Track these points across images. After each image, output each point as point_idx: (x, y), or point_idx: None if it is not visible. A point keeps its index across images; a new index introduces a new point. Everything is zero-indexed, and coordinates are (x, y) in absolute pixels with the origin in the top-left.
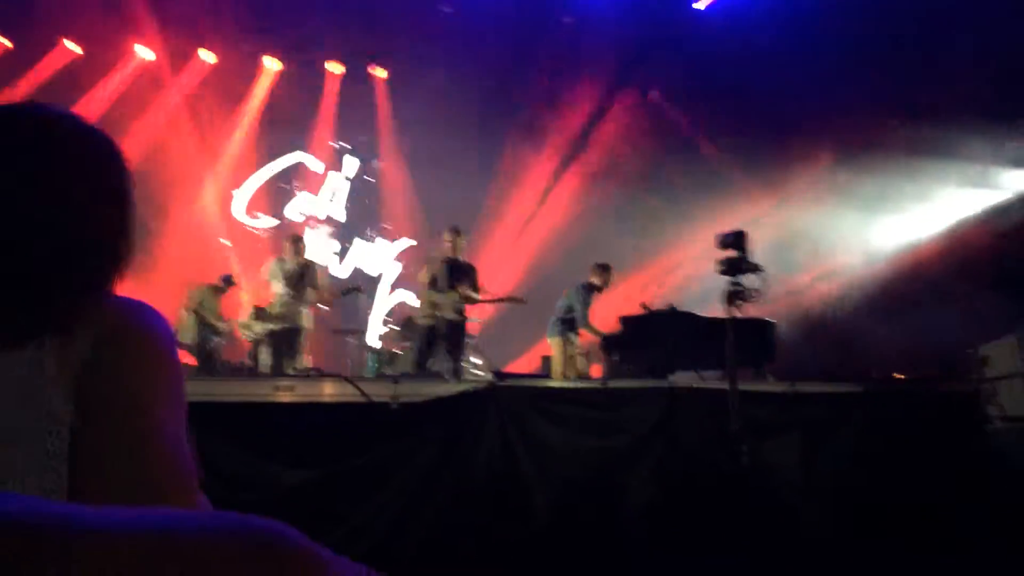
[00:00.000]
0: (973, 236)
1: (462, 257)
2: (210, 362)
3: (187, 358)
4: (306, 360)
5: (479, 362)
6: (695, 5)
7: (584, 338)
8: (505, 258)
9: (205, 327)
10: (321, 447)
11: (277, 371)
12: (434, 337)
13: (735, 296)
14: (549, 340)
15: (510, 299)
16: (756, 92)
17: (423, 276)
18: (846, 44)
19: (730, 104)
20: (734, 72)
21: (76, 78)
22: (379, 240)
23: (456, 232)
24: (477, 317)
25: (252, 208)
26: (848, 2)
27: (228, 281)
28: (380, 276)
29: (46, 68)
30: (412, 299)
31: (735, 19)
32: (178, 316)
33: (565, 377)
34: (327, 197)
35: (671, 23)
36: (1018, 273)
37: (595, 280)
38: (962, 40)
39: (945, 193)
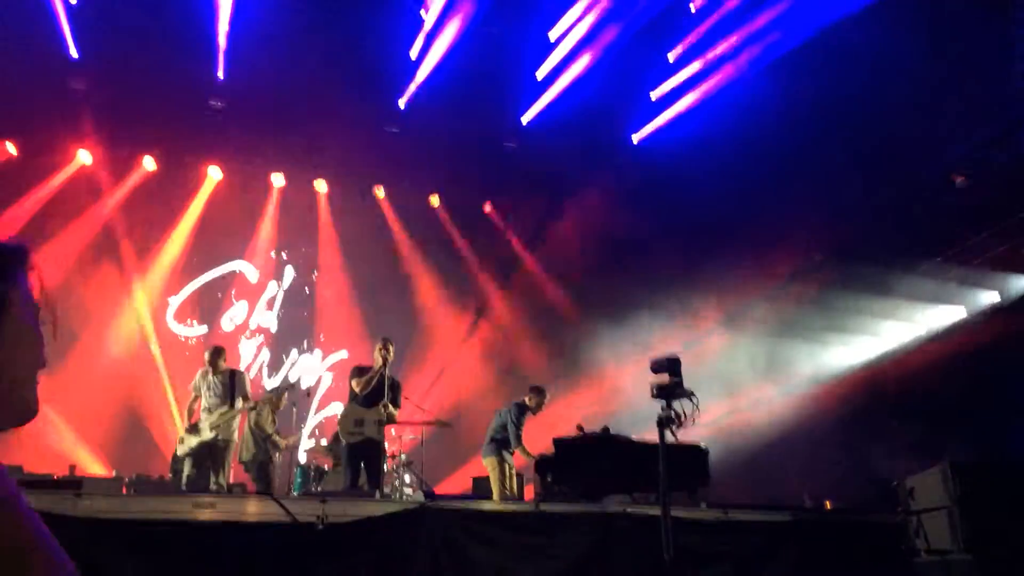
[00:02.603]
0: (897, 368)
1: (390, 371)
2: (268, 481)
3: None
4: (230, 476)
5: (409, 480)
6: (632, 136)
7: (517, 459)
8: (438, 377)
9: (264, 443)
10: (243, 570)
11: (199, 486)
12: (360, 454)
13: (667, 421)
14: (484, 461)
15: (437, 422)
16: (693, 217)
17: (356, 386)
18: (778, 180)
19: (670, 228)
20: (669, 200)
21: (10, 179)
22: (313, 352)
23: (387, 345)
24: (411, 435)
25: (186, 315)
26: (774, 146)
27: (279, 392)
28: (312, 389)
29: None
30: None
31: (670, 151)
32: (242, 434)
33: (503, 496)
34: (263, 307)
35: (610, 153)
36: (942, 405)
37: (529, 401)
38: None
39: (869, 326)
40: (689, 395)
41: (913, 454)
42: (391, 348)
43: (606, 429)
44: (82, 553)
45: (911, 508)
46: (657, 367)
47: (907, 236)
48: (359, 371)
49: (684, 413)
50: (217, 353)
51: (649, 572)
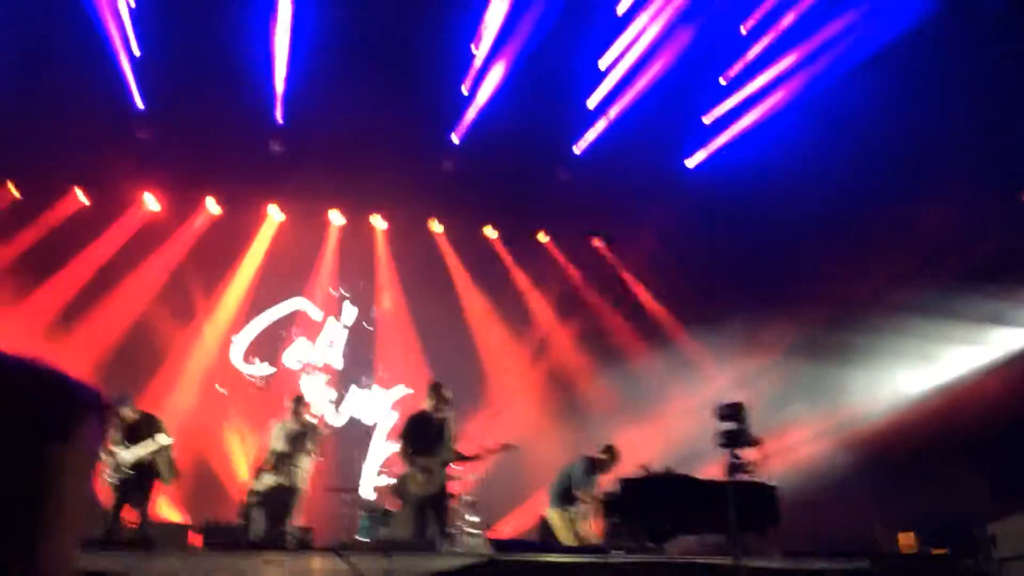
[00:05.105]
0: (970, 395)
1: (440, 413)
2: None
3: None
4: (298, 520)
5: (474, 521)
6: (686, 162)
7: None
8: (499, 413)
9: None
10: None
11: (271, 533)
12: (430, 504)
13: (735, 468)
14: (548, 512)
15: (504, 447)
16: (752, 244)
17: (416, 439)
18: (834, 202)
19: (726, 255)
20: (727, 226)
21: (82, 226)
22: (375, 388)
23: (438, 390)
24: (473, 473)
25: (249, 354)
26: (835, 167)
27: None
28: (375, 426)
29: (54, 217)
30: None
31: (725, 177)
32: None
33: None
34: (325, 344)
35: (665, 180)
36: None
37: (600, 457)
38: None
39: (937, 351)
40: (755, 442)
41: (992, 491)
42: (443, 392)
43: (669, 470)
44: None
45: (993, 555)
46: (722, 415)
47: (974, 256)
48: (413, 423)
49: (752, 460)
50: (298, 403)
51: None
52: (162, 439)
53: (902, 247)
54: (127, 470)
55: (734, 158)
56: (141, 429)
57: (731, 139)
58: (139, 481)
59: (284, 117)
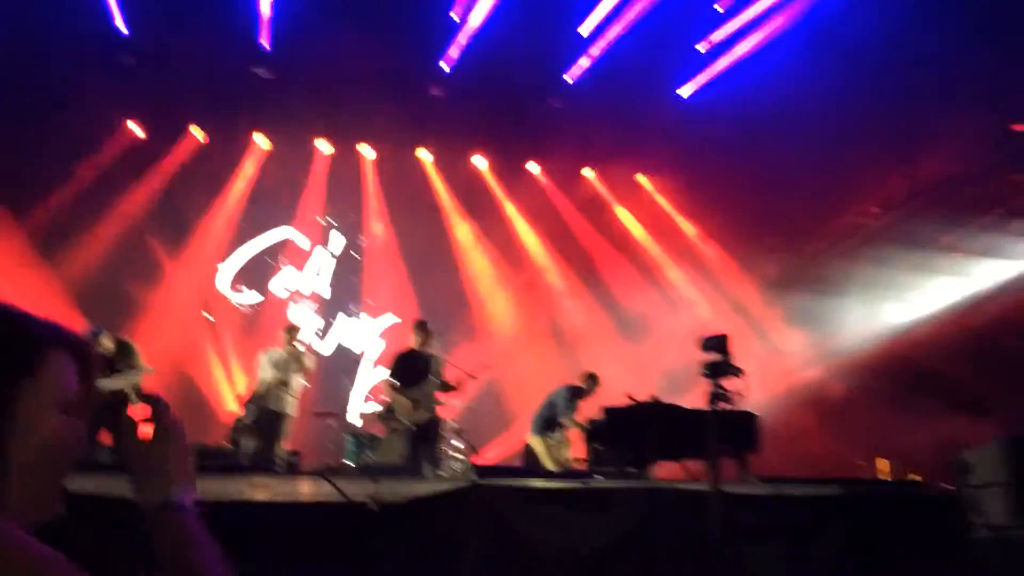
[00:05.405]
0: (954, 326)
1: (427, 350)
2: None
3: None
4: (286, 445)
5: (460, 446)
6: (679, 91)
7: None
8: (484, 339)
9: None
10: (294, 550)
11: (259, 457)
12: (422, 434)
13: (717, 398)
14: (530, 439)
15: (480, 371)
16: (743, 175)
17: (403, 373)
18: (828, 134)
19: (717, 188)
20: (721, 158)
21: (67, 154)
22: (362, 316)
23: (424, 327)
24: (459, 401)
25: (237, 282)
26: (828, 96)
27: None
28: (362, 353)
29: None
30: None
31: (720, 106)
32: None
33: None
34: (312, 273)
35: (656, 109)
36: (1005, 367)
37: (582, 385)
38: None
39: (927, 282)
40: (738, 373)
41: (972, 420)
42: (429, 329)
43: (655, 398)
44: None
45: (969, 482)
46: (707, 346)
47: (964, 189)
48: (401, 361)
49: (734, 391)
50: (291, 332)
51: (697, 548)
52: (146, 369)
53: (893, 177)
54: (105, 397)
55: (728, 87)
56: (117, 359)
57: (726, 67)
58: (116, 407)
59: (270, 42)
